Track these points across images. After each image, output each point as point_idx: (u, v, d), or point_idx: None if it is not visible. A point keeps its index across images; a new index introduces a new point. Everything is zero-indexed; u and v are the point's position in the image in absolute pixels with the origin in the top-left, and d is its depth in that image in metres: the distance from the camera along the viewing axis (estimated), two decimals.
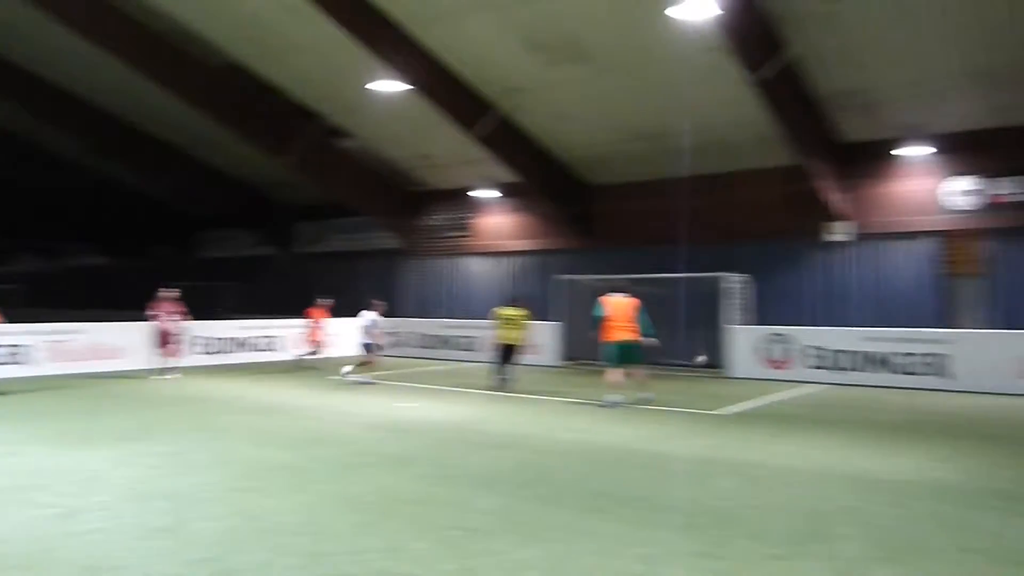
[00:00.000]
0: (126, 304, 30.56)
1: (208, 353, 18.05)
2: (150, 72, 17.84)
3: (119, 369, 16.07)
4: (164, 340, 15.12)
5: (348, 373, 14.75)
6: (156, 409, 11.29)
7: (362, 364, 14.76)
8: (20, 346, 15.05)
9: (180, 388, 13.77)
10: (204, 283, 24.89)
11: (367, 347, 14.92)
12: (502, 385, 13.51)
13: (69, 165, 28.58)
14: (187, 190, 26.04)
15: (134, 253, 34.66)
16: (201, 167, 25.33)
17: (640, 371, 11.77)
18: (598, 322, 11.72)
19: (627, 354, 11.63)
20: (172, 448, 8.29)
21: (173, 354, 15.26)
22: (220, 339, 18.50)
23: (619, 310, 11.65)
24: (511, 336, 13.63)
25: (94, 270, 36.69)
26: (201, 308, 16.27)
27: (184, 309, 15.56)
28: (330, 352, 18.41)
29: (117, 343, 16.49)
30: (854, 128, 15.78)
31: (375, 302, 15.22)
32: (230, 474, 7.06)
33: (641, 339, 11.72)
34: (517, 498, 6.38)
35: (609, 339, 11.63)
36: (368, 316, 14.98)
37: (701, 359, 16.60)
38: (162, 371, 15.09)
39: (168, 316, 15.18)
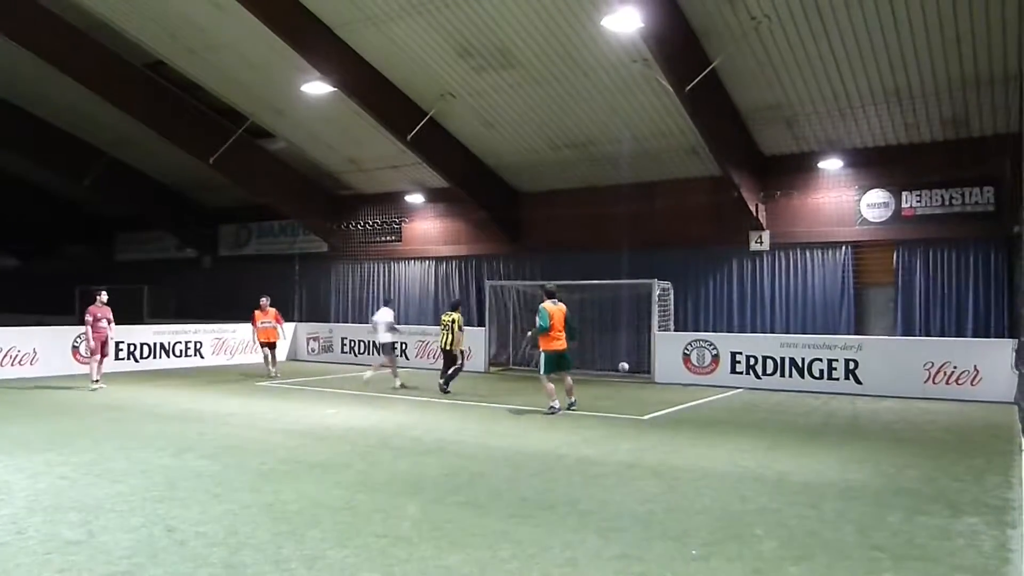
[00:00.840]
0: (37, 308, 29.31)
1: (131, 359, 17.46)
2: (69, 68, 17.14)
3: (31, 376, 15.39)
4: (101, 347, 14.31)
5: (369, 380, 14.90)
6: (72, 417, 10.84)
7: (388, 366, 15.07)
8: None
9: (102, 396, 13.27)
10: (123, 286, 24.03)
11: (389, 347, 15.18)
12: (443, 390, 13.78)
13: None
14: (105, 190, 25.06)
15: (46, 254, 33.16)
16: (121, 167, 24.41)
17: (569, 378, 11.98)
18: (542, 331, 11.66)
19: (562, 362, 11.88)
20: (87, 457, 7.99)
21: (101, 362, 14.43)
22: (143, 344, 17.93)
23: (557, 318, 11.75)
24: (447, 341, 13.88)
25: (2, 271, 34.96)
26: (120, 312, 15.69)
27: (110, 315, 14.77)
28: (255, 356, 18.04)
29: (29, 348, 15.78)
30: (775, 141, 16.34)
31: (389, 300, 15.79)
32: (148, 483, 6.85)
33: (568, 345, 11.91)
34: (443, 504, 6.38)
35: (548, 348, 11.73)
36: (388, 313, 15.20)
37: (624, 366, 16.90)
38: (94, 380, 14.18)
39: (101, 322, 14.37)
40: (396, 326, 15.52)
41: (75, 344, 16.38)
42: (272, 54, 15.77)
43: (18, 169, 27.08)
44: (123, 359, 17.23)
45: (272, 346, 16.91)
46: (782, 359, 15.09)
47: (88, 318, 14.18)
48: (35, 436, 9.26)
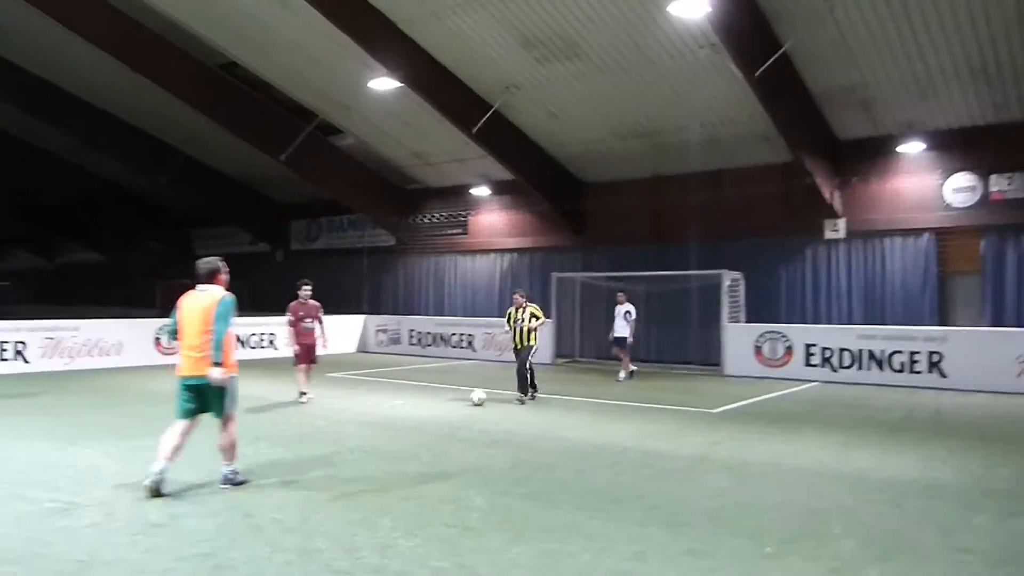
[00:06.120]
0: (121, 301, 30.57)
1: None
2: (147, 70, 17.81)
3: (116, 366, 16.05)
4: (306, 352, 11.76)
5: (625, 378, 14.81)
6: (154, 405, 11.25)
7: (618, 360, 15.06)
8: (17, 343, 15.05)
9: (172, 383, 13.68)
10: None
11: (624, 341, 14.91)
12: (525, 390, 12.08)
13: (65, 163, 28.53)
14: (182, 187, 25.96)
15: (128, 250, 34.58)
16: (197, 165, 25.26)
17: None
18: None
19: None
20: None
21: (309, 369, 11.90)
22: None
23: None
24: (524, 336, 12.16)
25: (88, 267, 36.61)
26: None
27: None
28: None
29: (114, 339, 16.48)
30: (850, 124, 15.79)
31: (622, 293, 15.26)
32: None
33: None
34: (510, 496, 6.37)
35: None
36: (628, 308, 14.98)
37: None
38: (301, 392, 11.80)
39: (304, 321, 11.84)
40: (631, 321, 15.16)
41: (156, 336, 17.03)
42: (339, 51, 16.01)
43: (107, 170, 28.29)
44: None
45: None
46: (860, 351, 14.60)
47: (288, 317, 11.80)
48: (121, 423, 9.66)
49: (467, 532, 5.36)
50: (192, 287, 6.62)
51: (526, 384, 11.82)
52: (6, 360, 14.81)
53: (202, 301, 6.41)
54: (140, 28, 17.11)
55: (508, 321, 12.14)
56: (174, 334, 6.54)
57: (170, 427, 6.38)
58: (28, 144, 27.55)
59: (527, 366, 11.77)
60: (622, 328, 14.94)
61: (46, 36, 17.58)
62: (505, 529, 5.44)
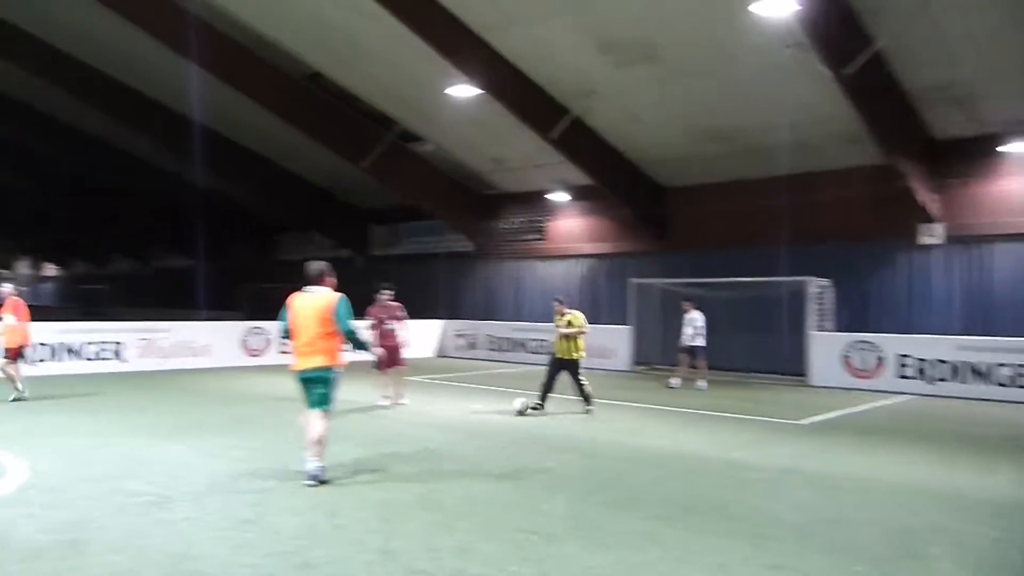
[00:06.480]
0: (209, 304, 31.79)
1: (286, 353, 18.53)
2: (234, 82, 18.53)
3: (205, 366, 16.70)
4: (390, 357, 11.52)
5: (683, 385, 14.57)
6: (242, 405, 11.67)
7: (693, 368, 14.74)
8: (115, 343, 15.84)
9: (269, 385, 14.14)
10: (284, 284, 25.56)
11: (696, 350, 14.66)
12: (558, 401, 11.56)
13: (162, 172, 29.89)
14: (268, 195, 26.85)
15: (215, 255, 35.95)
16: (283, 172, 26.08)
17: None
18: None
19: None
20: (256, 443, 8.57)
21: (390, 373, 11.81)
22: None
23: None
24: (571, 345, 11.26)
25: (179, 271, 38.19)
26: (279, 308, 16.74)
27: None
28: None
29: (203, 341, 17.15)
30: (949, 124, 15.02)
31: (688, 302, 14.99)
32: None
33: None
34: (588, 503, 6.31)
35: None
36: (694, 315, 14.77)
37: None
38: (384, 396, 11.90)
39: (386, 324, 11.91)
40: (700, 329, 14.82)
41: (244, 338, 17.66)
42: (419, 60, 16.26)
43: (199, 179, 29.47)
44: (286, 353, 18.33)
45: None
46: (959, 363, 13.86)
47: (370, 320, 11.82)
48: (210, 420, 10.06)
49: (544, 538, 5.33)
50: (298, 289, 7.02)
51: (584, 393, 11.19)
52: (106, 359, 15.61)
53: (314, 301, 6.82)
54: (230, 42, 17.80)
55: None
56: (286, 332, 6.98)
57: (305, 419, 6.81)
58: (128, 154, 29.04)
59: (578, 378, 11.11)
60: (688, 336, 14.71)
61: (141, 49, 18.50)
62: (583, 536, 5.39)
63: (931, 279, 15.85)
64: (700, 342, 14.63)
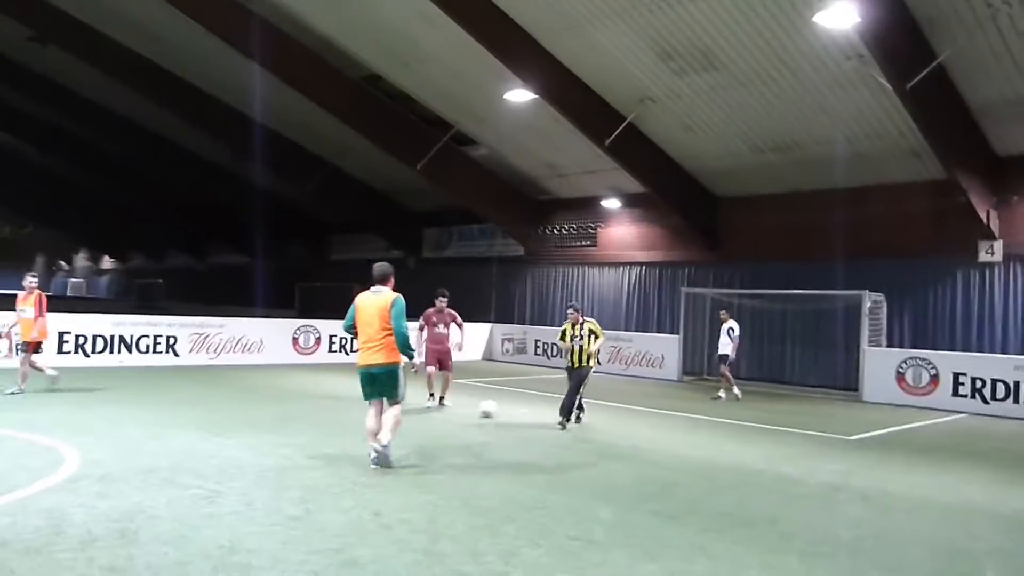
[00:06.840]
0: (263, 302, 32.46)
1: (342, 352, 18.75)
2: (295, 83, 18.91)
3: (257, 363, 17.04)
4: (437, 360, 12.02)
5: (727, 398, 14.33)
6: (291, 402, 11.89)
7: (725, 379, 14.59)
8: (169, 337, 16.27)
9: (302, 382, 14.36)
10: (336, 283, 26.01)
11: (727, 358, 14.46)
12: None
13: (220, 170, 30.65)
14: (324, 195, 27.31)
15: (270, 253, 36.68)
16: (339, 174, 26.50)
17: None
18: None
19: None
20: (305, 440, 8.70)
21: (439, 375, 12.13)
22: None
23: None
24: (581, 355, 10.79)
25: (234, 267, 39.05)
26: (335, 308, 17.02)
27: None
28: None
29: (255, 337, 17.51)
30: (1012, 140, 14.56)
31: (724, 311, 14.89)
32: (357, 469, 7.28)
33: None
34: (635, 512, 6.29)
35: None
36: (731, 325, 14.63)
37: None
38: (431, 394, 12.02)
39: (437, 327, 12.28)
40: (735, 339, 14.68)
41: (295, 335, 17.99)
42: (476, 64, 16.40)
43: (257, 178, 30.15)
44: (335, 351, 18.66)
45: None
46: (1017, 383, 13.45)
47: (420, 323, 12.08)
48: (260, 417, 10.24)
49: (591, 545, 5.33)
50: (355, 288, 7.72)
51: (572, 408, 10.54)
52: (159, 353, 16.05)
53: (377, 301, 7.34)
54: (289, 41, 18.17)
55: (562, 338, 10.91)
56: (351, 330, 7.52)
57: (366, 414, 7.44)
58: (190, 152, 29.86)
59: (580, 389, 10.60)
60: (725, 345, 14.56)
61: (206, 50, 19.04)
62: (630, 545, 5.37)
63: (989, 297, 15.37)
64: (730, 351, 14.53)
